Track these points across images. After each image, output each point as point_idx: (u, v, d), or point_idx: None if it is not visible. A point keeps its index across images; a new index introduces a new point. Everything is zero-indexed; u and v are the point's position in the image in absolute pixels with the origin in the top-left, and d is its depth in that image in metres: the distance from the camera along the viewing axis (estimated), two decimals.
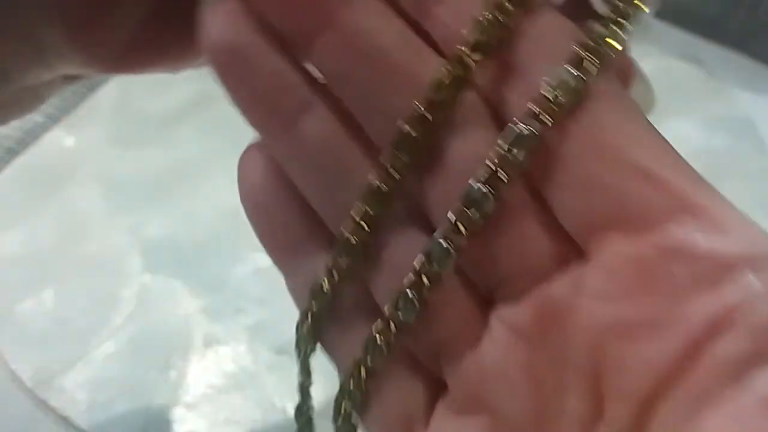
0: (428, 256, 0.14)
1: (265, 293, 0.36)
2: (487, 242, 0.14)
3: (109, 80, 0.51)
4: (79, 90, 0.50)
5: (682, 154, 0.50)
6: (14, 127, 0.46)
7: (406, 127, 0.13)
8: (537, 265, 0.13)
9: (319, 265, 0.15)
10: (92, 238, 0.40)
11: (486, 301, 0.15)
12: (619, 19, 0.13)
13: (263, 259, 0.18)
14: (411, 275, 0.14)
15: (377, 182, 0.14)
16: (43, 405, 0.33)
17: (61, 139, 0.47)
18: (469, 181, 0.13)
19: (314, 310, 0.15)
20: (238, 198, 0.17)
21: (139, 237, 0.39)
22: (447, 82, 0.13)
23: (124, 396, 0.33)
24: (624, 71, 0.15)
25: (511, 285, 0.14)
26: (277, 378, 0.33)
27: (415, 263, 0.14)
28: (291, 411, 0.18)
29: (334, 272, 0.15)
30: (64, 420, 0.32)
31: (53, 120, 0.48)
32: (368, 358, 0.15)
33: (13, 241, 0.40)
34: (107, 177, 0.43)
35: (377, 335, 0.14)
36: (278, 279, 0.18)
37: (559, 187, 0.13)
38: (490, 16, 0.13)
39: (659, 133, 0.13)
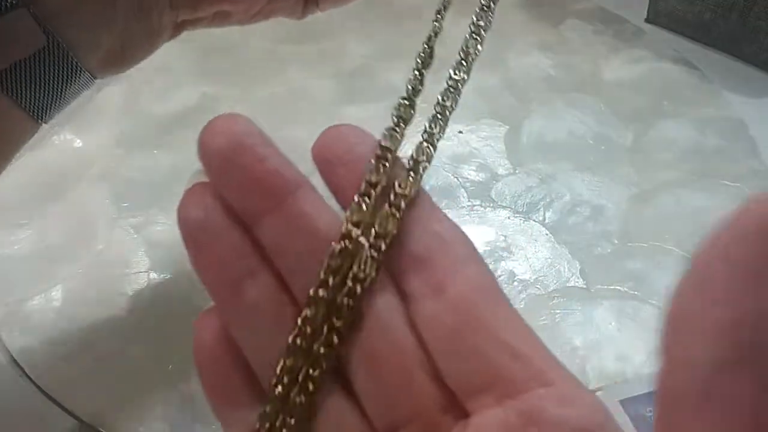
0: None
1: None
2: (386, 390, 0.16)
3: (116, 83, 0.52)
4: (86, 92, 0.50)
5: (676, 155, 0.51)
6: None
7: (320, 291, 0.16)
8: (427, 413, 0.16)
9: (252, 419, 0.17)
10: (99, 237, 0.40)
11: None
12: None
13: None
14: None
15: (297, 338, 0.16)
16: (51, 400, 0.33)
17: (68, 141, 0.47)
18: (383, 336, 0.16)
19: None
20: None
21: (145, 236, 0.40)
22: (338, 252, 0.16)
23: (131, 391, 0.33)
24: None
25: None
26: None
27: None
28: None
29: (267, 425, 0.17)
30: (71, 414, 0.33)
31: (61, 122, 0.48)
32: None
33: (23, 240, 0.40)
34: (114, 178, 0.44)
35: None
36: None
37: (444, 354, 0.16)
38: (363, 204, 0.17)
39: (519, 314, 0.16)
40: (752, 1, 0.49)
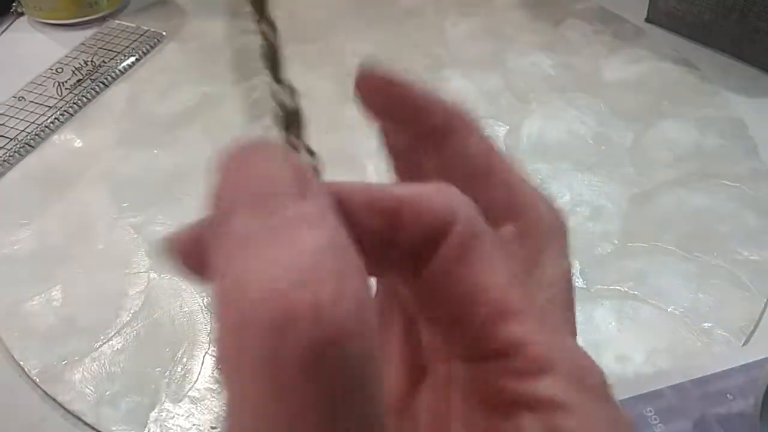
0: None
1: None
2: None
3: (116, 83, 0.52)
4: (88, 92, 0.50)
5: (676, 155, 0.50)
6: (25, 127, 0.47)
7: None
8: None
9: None
10: (100, 236, 0.40)
11: None
12: None
13: None
14: None
15: None
16: (51, 400, 0.33)
17: (69, 141, 0.47)
18: None
19: None
20: None
21: (146, 236, 0.40)
22: None
23: (131, 391, 0.33)
24: None
25: None
26: None
27: None
28: None
29: None
30: (72, 414, 0.33)
31: (62, 121, 0.48)
32: None
33: (23, 240, 0.40)
34: (115, 177, 0.44)
35: None
36: None
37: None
38: None
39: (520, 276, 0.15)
40: (752, 1, 0.49)
